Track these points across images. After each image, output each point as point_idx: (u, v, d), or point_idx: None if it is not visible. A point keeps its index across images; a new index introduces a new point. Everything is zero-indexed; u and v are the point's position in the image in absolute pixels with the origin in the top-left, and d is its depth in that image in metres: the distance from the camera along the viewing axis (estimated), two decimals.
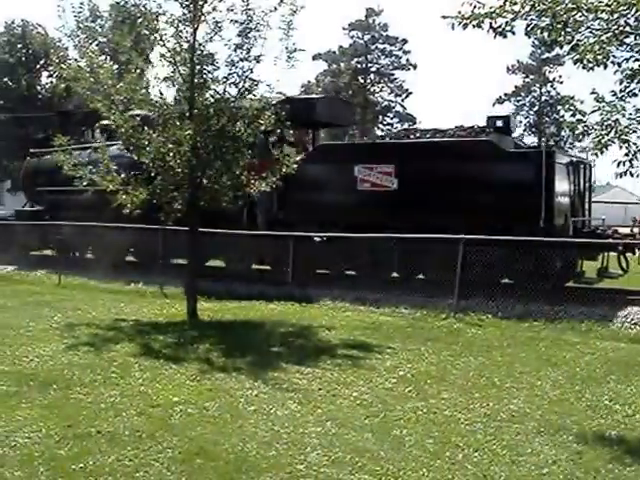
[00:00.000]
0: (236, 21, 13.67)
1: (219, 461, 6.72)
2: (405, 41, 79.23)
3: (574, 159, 18.57)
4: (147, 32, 14.03)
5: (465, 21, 8.26)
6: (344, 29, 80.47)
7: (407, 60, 79.48)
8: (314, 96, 26.96)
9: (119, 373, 9.77)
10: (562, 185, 17.07)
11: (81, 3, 13.87)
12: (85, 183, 14.23)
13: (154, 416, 7.99)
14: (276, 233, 17.18)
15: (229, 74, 13.79)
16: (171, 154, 13.35)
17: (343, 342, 12.04)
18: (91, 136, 20.01)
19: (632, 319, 14.15)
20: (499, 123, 18.38)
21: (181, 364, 10.26)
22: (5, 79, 60.67)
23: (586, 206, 18.78)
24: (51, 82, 60.32)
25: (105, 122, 24.65)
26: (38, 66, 61.61)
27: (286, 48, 13.68)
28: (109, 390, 8.94)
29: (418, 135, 19.35)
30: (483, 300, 14.99)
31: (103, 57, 14.63)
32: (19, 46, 61.21)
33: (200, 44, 13.71)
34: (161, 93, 13.82)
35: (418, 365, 10.49)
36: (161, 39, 13.64)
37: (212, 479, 6.36)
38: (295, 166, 14.04)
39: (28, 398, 8.60)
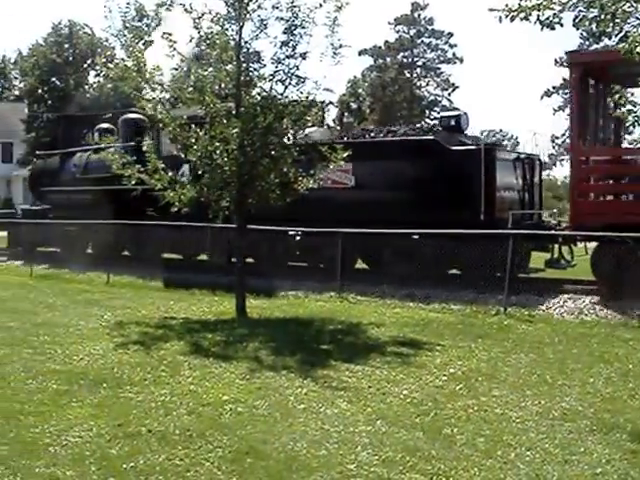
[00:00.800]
0: (281, 18, 13.66)
1: (269, 460, 6.69)
2: (451, 34, 78.91)
3: (522, 155, 19.64)
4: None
5: (512, 14, 8.11)
6: (390, 24, 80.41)
7: (453, 54, 79.20)
8: None
9: (169, 372, 9.80)
10: (505, 179, 17.88)
11: (127, 3, 13.92)
12: (133, 182, 14.30)
13: (204, 415, 7.98)
14: (324, 230, 17.09)
15: (275, 71, 13.78)
16: (218, 152, 13.36)
17: (392, 339, 11.97)
18: (92, 138, 20.41)
19: None
20: (451, 122, 19.45)
21: (230, 362, 10.25)
22: (53, 79, 61.50)
23: (536, 199, 19.72)
24: (98, 81, 61.01)
25: (104, 125, 25.80)
26: (85, 65, 62.33)
27: (332, 45, 13.64)
28: (159, 389, 8.96)
29: (372, 134, 20.19)
30: (533, 296, 14.86)
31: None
32: (66, 46, 62.01)
33: (246, 42, 13.74)
34: (208, 91, 13.79)
35: (468, 362, 10.38)
36: (207, 38, 13.67)
37: (262, 478, 6.32)
38: (342, 162, 13.97)
39: (79, 397, 8.65)
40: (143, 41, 14.05)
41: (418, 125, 20.75)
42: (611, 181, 17.41)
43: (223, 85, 13.99)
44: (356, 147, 17.41)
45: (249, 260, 16.23)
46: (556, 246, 17.05)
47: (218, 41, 13.58)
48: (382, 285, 16.82)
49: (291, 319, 13.84)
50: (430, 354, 10.90)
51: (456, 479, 6.29)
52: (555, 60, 74.74)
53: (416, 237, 17.48)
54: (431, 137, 18.50)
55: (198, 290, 17.59)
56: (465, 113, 20.02)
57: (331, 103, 14.38)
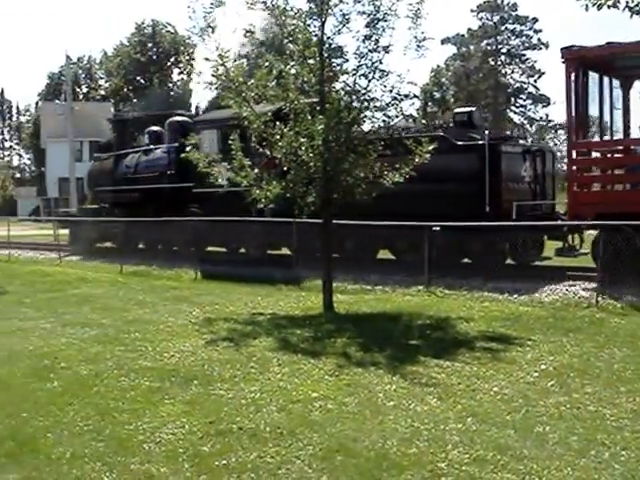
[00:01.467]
0: (363, 12, 13.59)
1: (360, 458, 6.68)
2: (535, 20, 77.71)
3: (533, 147, 20.57)
4: (275, 27, 14.05)
5: (600, 1, 7.93)
6: (472, 11, 79.79)
7: (538, 39, 78.02)
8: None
9: (258, 368, 9.86)
10: (512, 171, 18.63)
11: (211, 3, 14.03)
12: (220, 180, 14.46)
13: (294, 412, 8.01)
14: (410, 223, 16.96)
15: (358, 66, 13.73)
16: (303, 148, 13.38)
17: (482, 334, 11.82)
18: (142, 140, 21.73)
19: None
20: (463, 117, 20.17)
21: (319, 358, 10.27)
22: (138, 78, 62.56)
23: (548, 190, 20.05)
24: (182, 79, 61.83)
25: (154, 128, 27.19)
26: (169, 64, 63.22)
27: (415, 37, 13.50)
28: (249, 386, 9.03)
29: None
30: (627, 288, 14.54)
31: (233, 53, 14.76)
32: (149, 45, 63.00)
33: (328, 37, 13.72)
34: (291, 87, 13.82)
35: (560, 358, 10.17)
36: (290, 34, 13.70)
37: (353, 476, 6.32)
38: (427, 156, 13.85)
39: (171, 394, 8.78)
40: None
41: (432, 122, 22.37)
42: (601, 172, 18.06)
43: (306, 79, 13.98)
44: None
45: (335, 255, 16.16)
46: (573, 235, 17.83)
47: (300, 37, 13.60)
48: (470, 278, 16.62)
49: (379, 314, 13.77)
50: (520, 349, 10.72)
51: (548, 479, 6.18)
52: None
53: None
54: (440, 133, 18.72)
55: (284, 285, 17.67)
56: (478, 109, 21.41)
57: (415, 97, 14.19)
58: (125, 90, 62.69)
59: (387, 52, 13.63)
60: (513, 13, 78.06)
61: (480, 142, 18.29)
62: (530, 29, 77.94)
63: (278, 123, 13.82)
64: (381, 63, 13.69)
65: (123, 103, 63.09)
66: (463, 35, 79.31)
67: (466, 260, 19.20)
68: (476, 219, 16.62)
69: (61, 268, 23.30)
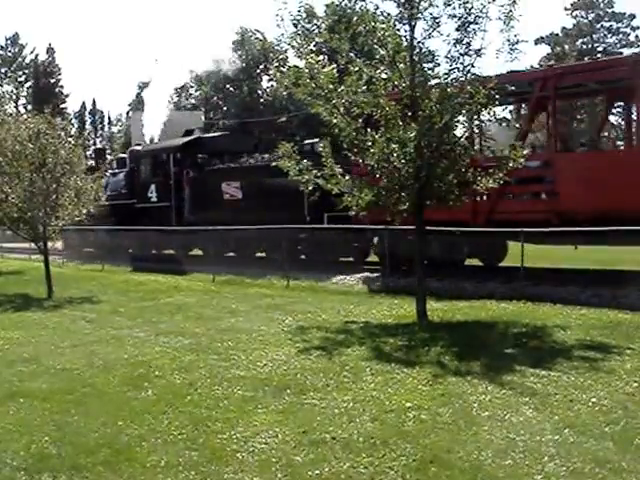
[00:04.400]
0: (454, 15, 13.40)
1: (454, 470, 6.58)
2: (633, 16, 75.69)
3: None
4: (364, 32, 13.95)
5: None
6: (566, 9, 78.11)
7: (636, 36, 75.91)
8: (217, 134, 36.00)
9: (351, 377, 9.80)
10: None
11: (298, 10, 14.07)
12: (310, 187, 14.47)
13: (387, 422, 7.93)
14: (503, 230, 16.72)
15: (450, 70, 13.55)
16: (395, 155, 13.26)
17: (579, 342, 11.49)
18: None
19: None
20: (307, 147, 23.16)
21: (412, 367, 10.15)
22: (228, 86, 63.19)
23: None
24: (271, 86, 62.18)
25: (122, 155, 32.94)
26: (258, 71, 63.69)
27: (508, 40, 13.23)
28: (342, 395, 8.98)
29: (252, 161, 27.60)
30: None
31: (321, 57, 14.73)
32: (239, 53, 63.56)
33: (419, 41, 13.58)
34: (382, 94, 13.72)
35: None
36: (379, 40, 13.60)
37: None
38: (522, 160, 13.59)
39: (264, 403, 8.79)
40: (314, 43, 14.17)
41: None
42: None
43: (397, 83, 13.85)
44: (240, 170, 27.35)
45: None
46: None
47: (390, 41, 13.49)
48: (566, 286, 16.23)
49: (473, 322, 13.56)
50: (619, 358, 10.39)
51: None
52: None
53: None
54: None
55: (377, 293, 17.56)
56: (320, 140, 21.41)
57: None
58: (215, 98, 63.38)
59: (479, 55, 13.41)
60: (609, 10, 76.35)
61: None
62: (627, 26, 76.09)
63: (369, 130, 13.73)
64: (473, 67, 13.50)
65: (213, 111, 63.85)
66: (557, 34, 77.95)
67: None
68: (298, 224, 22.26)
69: (154, 277, 23.69)
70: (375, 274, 20.92)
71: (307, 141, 25.25)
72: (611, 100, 22.75)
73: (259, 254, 26.39)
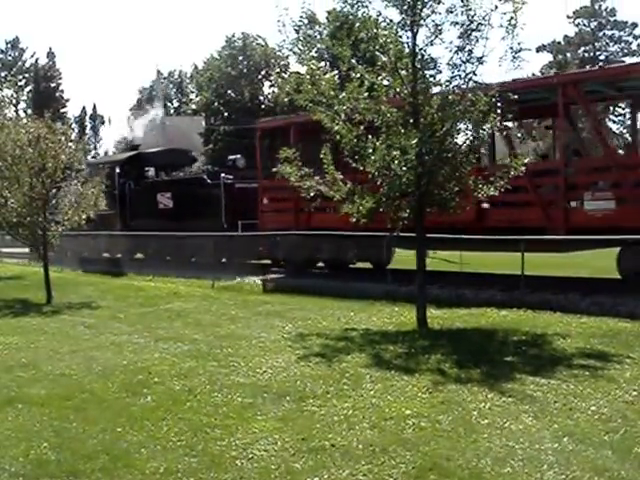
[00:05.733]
0: (456, 23, 13.40)
1: (453, 477, 6.58)
2: (635, 25, 75.60)
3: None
4: (366, 38, 13.94)
5: None
6: (569, 17, 78.09)
7: (638, 45, 75.91)
8: (157, 150, 37.66)
9: (351, 385, 9.78)
10: (241, 201, 26.24)
11: (301, 16, 14.09)
12: (312, 194, 14.46)
13: (387, 429, 7.92)
14: (505, 237, 16.72)
15: (452, 77, 13.53)
16: (396, 162, 13.24)
17: (579, 351, 11.44)
18: None
19: None
20: (229, 162, 29.77)
21: (412, 375, 10.13)
22: (229, 91, 63.21)
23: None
24: (273, 92, 62.17)
25: None
26: (260, 76, 63.70)
27: (510, 48, 13.21)
28: (341, 402, 8.96)
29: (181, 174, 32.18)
30: None
31: (322, 64, 14.76)
32: (240, 58, 63.57)
33: (421, 49, 13.58)
34: (383, 100, 13.71)
35: None
36: (381, 46, 13.60)
37: None
38: (523, 168, 13.57)
39: (263, 410, 8.78)
40: (316, 49, 14.17)
41: (204, 167, 34.75)
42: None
43: (398, 90, 13.85)
44: (169, 182, 31.10)
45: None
46: None
47: (392, 48, 13.48)
48: (566, 293, 16.20)
49: (473, 330, 13.51)
50: (619, 367, 10.36)
51: None
52: None
53: None
54: (200, 176, 29.62)
55: (377, 300, 17.55)
56: (240, 156, 29.84)
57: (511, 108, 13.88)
58: (216, 104, 63.35)
59: (481, 63, 13.40)
60: (611, 19, 76.30)
61: (225, 181, 27.20)
62: (629, 35, 76.02)
63: (370, 137, 13.71)
64: (475, 75, 13.49)
65: (214, 117, 63.81)
66: (559, 42, 77.98)
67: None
68: (215, 231, 25.11)
69: (153, 283, 23.69)
70: (281, 275, 23.79)
71: (230, 157, 30.53)
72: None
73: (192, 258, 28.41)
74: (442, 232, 16.71)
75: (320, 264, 24.59)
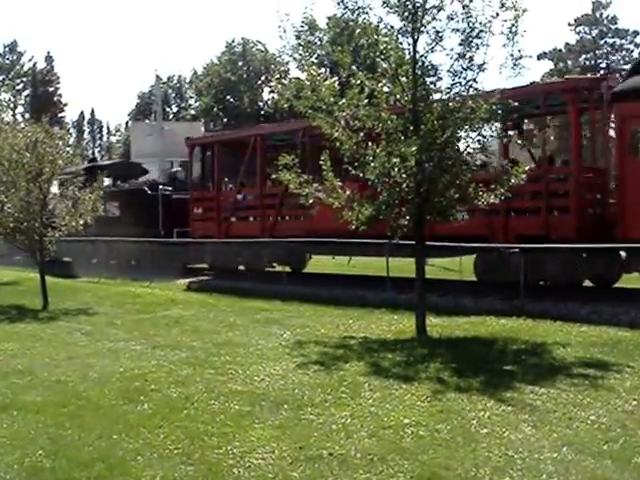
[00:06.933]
0: (457, 29, 13.37)
1: None
2: (637, 33, 75.54)
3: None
4: (366, 45, 13.90)
5: None
6: (570, 25, 77.96)
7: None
8: (111, 161, 43.21)
9: (349, 393, 9.72)
10: (175, 210, 29.92)
11: (302, 22, 14.05)
12: (310, 200, 14.40)
13: (385, 438, 7.86)
14: (505, 245, 16.68)
15: (452, 84, 13.50)
16: (396, 169, 13.19)
17: (579, 360, 11.39)
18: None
19: None
20: (171, 176, 34.14)
21: (411, 384, 10.06)
22: (228, 97, 63.25)
23: None
24: (272, 97, 62.22)
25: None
26: (259, 82, 63.74)
27: (511, 55, 13.19)
28: (340, 411, 8.90)
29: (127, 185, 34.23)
30: None
31: (323, 70, 14.72)
32: (240, 64, 63.62)
33: (421, 55, 13.54)
34: (383, 107, 13.66)
35: None
36: (382, 53, 13.55)
37: None
38: (524, 176, 13.51)
39: (260, 418, 8.72)
40: (316, 55, 14.13)
41: (146, 180, 35.01)
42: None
43: (398, 97, 13.80)
44: (116, 193, 32.56)
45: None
46: None
47: (393, 54, 13.44)
48: (566, 302, 16.15)
49: (473, 338, 13.45)
50: (619, 376, 10.31)
51: None
52: None
53: None
54: (141, 187, 32.26)
55: (376, 308, 17.48)
56: (181, 169, 33.78)
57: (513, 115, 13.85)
58: (215, 109, 63.38)
59: (482, 70, 13.37)
60: (612, 27, 76.19)
61: (163, 192, 30.63)
62: (631, 43, 76.02)
63: (370, 144, 13.66)
64: (476, 82, 13.45)
65: (213, 123, 63.83)
66: (560, 50, 77.92)
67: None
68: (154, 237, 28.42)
69: (150, 289, 23.69)
70: (209, 277, 27.02)
71: (172, 169, 34.80)
72: None
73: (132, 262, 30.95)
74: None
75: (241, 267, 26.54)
